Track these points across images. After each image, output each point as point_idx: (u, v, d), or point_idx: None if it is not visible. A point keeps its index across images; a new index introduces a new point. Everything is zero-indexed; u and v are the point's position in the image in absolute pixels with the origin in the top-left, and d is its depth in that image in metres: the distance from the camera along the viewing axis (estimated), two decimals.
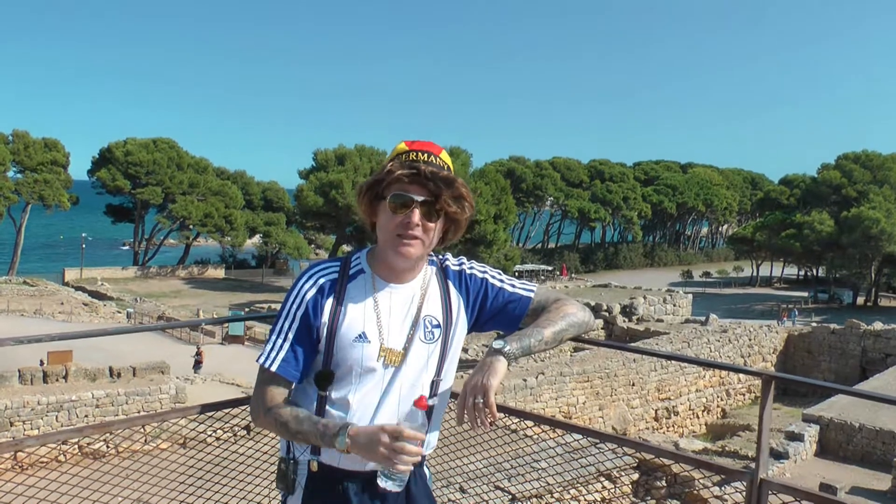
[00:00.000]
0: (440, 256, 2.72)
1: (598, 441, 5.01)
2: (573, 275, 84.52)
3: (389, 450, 2.26)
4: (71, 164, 78.37)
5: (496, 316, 2.70)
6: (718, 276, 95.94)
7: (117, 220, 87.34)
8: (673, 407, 33.77)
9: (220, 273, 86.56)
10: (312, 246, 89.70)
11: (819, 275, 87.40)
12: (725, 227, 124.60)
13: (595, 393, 29.41)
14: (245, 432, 5.54)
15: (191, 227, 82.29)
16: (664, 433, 31.76)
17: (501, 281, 2.73)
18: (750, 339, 40.02)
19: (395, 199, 2.41)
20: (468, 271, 2.71)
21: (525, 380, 26.83)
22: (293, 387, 2.58)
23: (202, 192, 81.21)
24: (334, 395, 2.49)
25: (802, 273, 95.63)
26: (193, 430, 3.95)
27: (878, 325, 40.76)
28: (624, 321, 42.76)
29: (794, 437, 22.91)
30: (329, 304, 2.49)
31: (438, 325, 2.58)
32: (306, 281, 2.54)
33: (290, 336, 2.50)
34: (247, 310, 54.07)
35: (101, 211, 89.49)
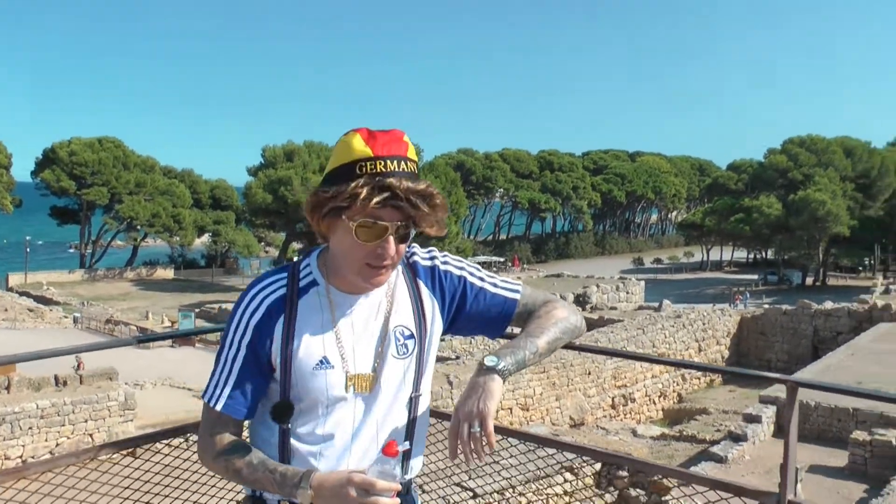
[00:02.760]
0: (408, 251, 2.30)
1: (577, 449, 4.79)
2: (525, 265, 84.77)
3: None
4: (13, 165, 76.83)
5: (476, 320, 2.31)
6: (669, 262, 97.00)
7: (63, 222, 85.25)
8: (630, 394, 33.85)
9: (169, 274, 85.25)
10: (262, 244, 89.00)
11: (768, 257, 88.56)
12: (675, 213, 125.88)
13: (552, 384, 29.35)
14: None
15: (138, 227, 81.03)
16: (622, 420, 31.85)
17: (482, 279, 2.32)
18: (704, 324, 40.31)
19: (365, 228, 1.95)
20: (442, 267, 2.29)
21: None
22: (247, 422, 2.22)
23: (149, 191, 79.72)
24: (300, 428, 2.11)
25: (752, 256, 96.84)
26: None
27: (828, 305, 41.34)
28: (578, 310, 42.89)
29: (752, 419, 22.99)
30: (279, 327, 2.08)
31: (412, 336, 2.19)
32: (249, 302, 2.11)
33: (236, 369, 2.10)
34: (197, 310, 53.30)
35: (45, 213, 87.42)
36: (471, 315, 2.29)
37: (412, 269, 2.26)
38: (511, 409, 27.51)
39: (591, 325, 39.44)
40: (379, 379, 2.13)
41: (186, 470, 3.64)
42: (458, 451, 2.01)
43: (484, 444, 1.98)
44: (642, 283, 50.18)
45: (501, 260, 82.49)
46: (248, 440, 2.21)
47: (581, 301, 44.03)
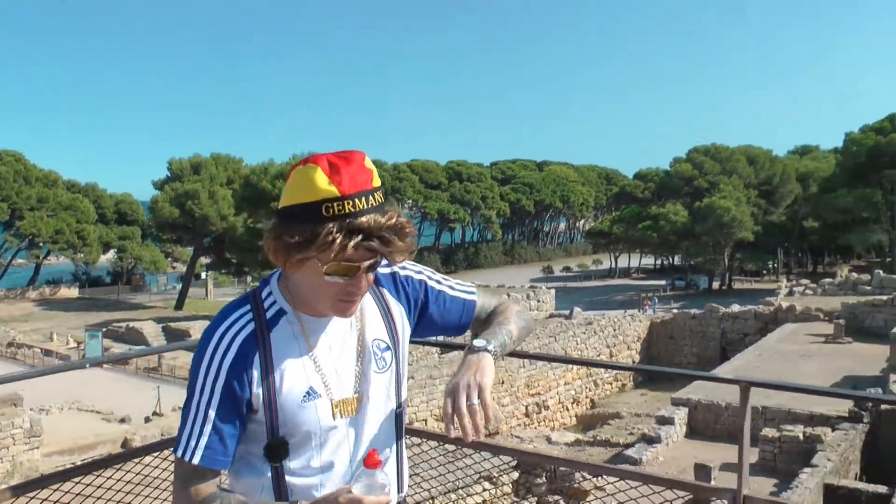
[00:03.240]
0: None
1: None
2: None
3: None
4: None
5: (437, 323, 2.28)
6: (578, 269, 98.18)
7: None
8: (543, 402, 34.21)
9: (73, 292, 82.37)
10: (169, 259, 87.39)
11: (675, 263, 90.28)
12: (583, 222, 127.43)
13: None
14: None
15: (41, 244, 78.08)
16: (536, 428, 32.14)
17: (440, 282, 2.30)
18: (615, 330, 41.01)
19: (338, 271, 1.86)
20: (402, 273, 2.23)
21: None
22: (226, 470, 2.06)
23: (52, 207, 76.52)
24: (293, 464, 2.00)
25: (659, 262, 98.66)
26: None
27: (735, 308, 42.42)
28: None
29: (665, 421, 23.43)
30: (257, 366, 1.95)
31: (388, 347, 2.13)
32: (217, 343, 1.96)
33: (211, 416, 1.93)
34: (104, 329, 51.90)
35: None
36: (433, 318, 2.27)
37: (375, 281, 2.16)
38: (426, 420, 27.49)
39: None
40: (363, 399, 2.06)
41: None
42: (455, 427, 1.95)
43: (481, 417, 1.96)
44: (552, 291, 50.60)
45: None
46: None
47: None
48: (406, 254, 1.93)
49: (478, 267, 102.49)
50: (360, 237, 1.81)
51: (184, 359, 35.74)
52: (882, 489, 16.91)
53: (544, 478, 14.42)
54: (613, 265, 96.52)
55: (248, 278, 76.52)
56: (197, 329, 52.82)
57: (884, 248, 71.37)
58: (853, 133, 72.22)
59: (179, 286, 77.53)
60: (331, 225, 1.80)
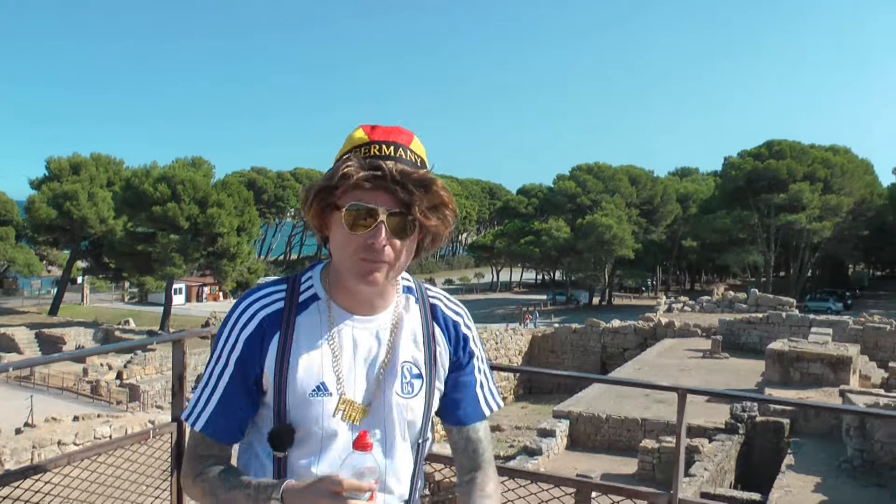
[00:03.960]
0: (424, 285, 2.12)
1: None
2: None
3: None
4: None
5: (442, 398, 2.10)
6: (461, 283, 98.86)
7: None
8: None
9: None
10: (45, 262, 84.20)
11: (556, 278, 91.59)
12: (465, 235, 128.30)
13: None
14: None
15: None
16: None
17: (481, 370, 2.14)
18: (497, 343, 41.26)
19: (354, 212, 1.79)
20: (464, 331, 2.09)
21: None
22: (234, 448, 2.00)
23: None
24: (298, 461, 1.90)
25: (541, 277, 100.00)
26: None
27: (615, 323, 43.35)
28: None
29: (546, 433, 23.64)
30: (274, 345, 1.88)
31: (420, 375, 1.99)
32: (241, 314, 1.91)
33: (221, 386, 1.90)
34: None
35: None
36: (446, 388, 2.09)
37: (430, 309, 2.07)
38: None
39: None
40: (375, 414, 1.93)
41: None
42: None
43: None
44: None
45: None
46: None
47: None
48: (434, 215, 1.84)
49: None
50: (377, 172, 1.77)
51: (58, 367, 34.46)
52: (755, 496, 17.84)
53: (427, 489, 14.27)
54: (495, 279, 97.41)
55: (127, 284, 74.56)
56: (71, 336, 51.20)
57: (759, 268, 73.95)
58: (732, 157, 74.93)
59: (54, 291, 74.81)
60: (351, 161, 1.80)
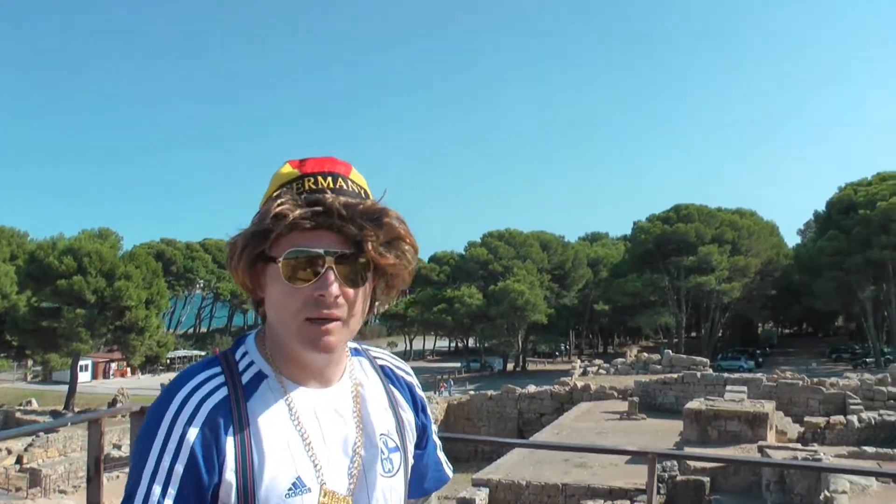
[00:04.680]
0: (362, 346, 1.83)
1: None
2: None
3: None
4: None
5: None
6: None
7: None
8: None
9: None
10: None
11: (470, 345, 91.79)
12: (377, 304, 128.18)
13: None
14: None
15: None
16: None
17: (435, 433, 1.91)
18: None
19: (293, 260, 1.47)
20: (419, 392, 1.86)
21: None
22: None
23: None
24: None
25: (454, 344, 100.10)
26: None
27: (531, 388, 43.46)
28: None
29: (465, 502, 23.38)
30: (231, 443, 1.47)
31: (396, 448, 1.70)
32: (181, 406, 1.48)
33: None
34: None
35: None
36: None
37: (383, 373, 1.79)
38: None
39: None
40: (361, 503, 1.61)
41: None
42: None
43: None
44: None
45: (202, 353, 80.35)
46: None
47: None
48: (390, 251, 1.53)
49: None
50: (318, 208, 1.47)
51: None
52: None
53: None
54: (408, 347, 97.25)
55: (30, 362, 72.33)
56: None
57: (671, 329, 75.18)
58: (640, 222, 76.50)
59: None
60: (281, 195, 1.49)
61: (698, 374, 39.09)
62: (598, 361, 54.80)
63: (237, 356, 1.61)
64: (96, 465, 3.95)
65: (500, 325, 74.99)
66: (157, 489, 1.42)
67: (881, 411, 30.84)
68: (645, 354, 52.85)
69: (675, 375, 39.31)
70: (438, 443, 1.91)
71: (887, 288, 64.96)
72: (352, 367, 1.71)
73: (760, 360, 67.86)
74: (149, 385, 62.06)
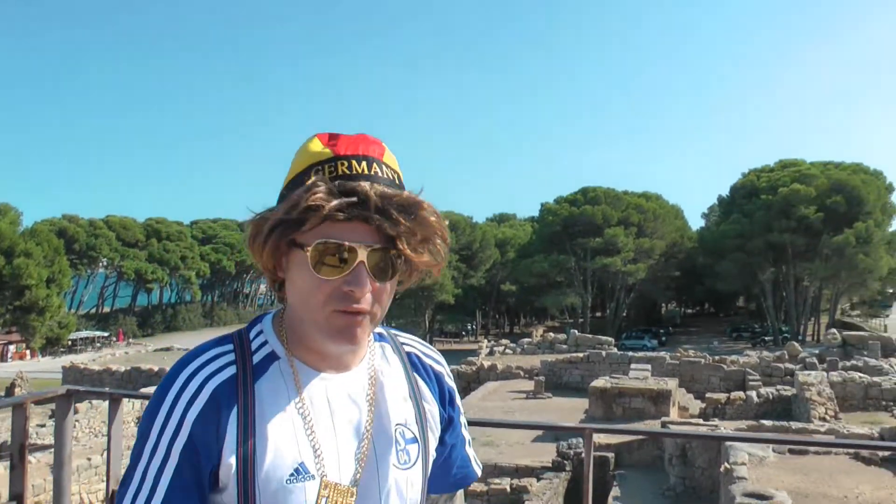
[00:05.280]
0: (392, 331, 1.75)
1: None
2: (130, 340, 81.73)
3: None
4: None
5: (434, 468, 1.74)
6: None
7: None
8: None
9: None
10: None
11: None
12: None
13: None
14: None
15: None
16: None
17: (466, 427, 1.82)
18: None
19: (325, 252, 1.40)
20: (449, 382, 1.76)
21: (90, 458, 24.59)
22: None
23: None
24: None
25: None
26: None
27: None
28: None
29: None
30: (233, 424, 1.44)
31: (414, 440, 1.62)
32: (184, 385, 1.46)
33: (162, 488, 1.41)
34: None
35: None
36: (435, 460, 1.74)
37: (409, 360, 1.71)
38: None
39: None
40: (368, 494, 1.52)
41: None
42: None
43: None
44: None
45: (105, 335, 78.83)
46: None
47: None
48: (425, 248, 1.48)
49: (176, 329, 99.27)
50: (353, 199, 1.39)
51: None
52: None
53: None
54: None
55: None
56: None
57: (577, 310, 76.22)
58: (548, 203, 77.22)
59: None
60: (315, 184, 1.40)
61: (603, 353, 39.81)
62: (504, 341, 55.23)
63: (251, 335, 1.57)
64: (21, 453, 3.78)
65: (406, 304, 75.01)
66: (154, 465, 1.42)
67: (778, 387, 31.91)
68: (551, 334, 53.49)
69: (580, 355, 39.97)
70: (468, 438, 1.81)
71: (786, 270, 66.94)
72: (372, 352, 1.65)
73: (664, 339, 69.22)
74: (49, 368, 59.91)
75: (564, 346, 46.42)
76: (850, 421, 26.47)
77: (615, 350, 41.88)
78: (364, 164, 1.43)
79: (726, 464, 16.94)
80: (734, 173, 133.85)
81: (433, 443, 1.68)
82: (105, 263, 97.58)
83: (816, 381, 29.38)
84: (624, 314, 78.27)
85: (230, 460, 1.42)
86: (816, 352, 43.26)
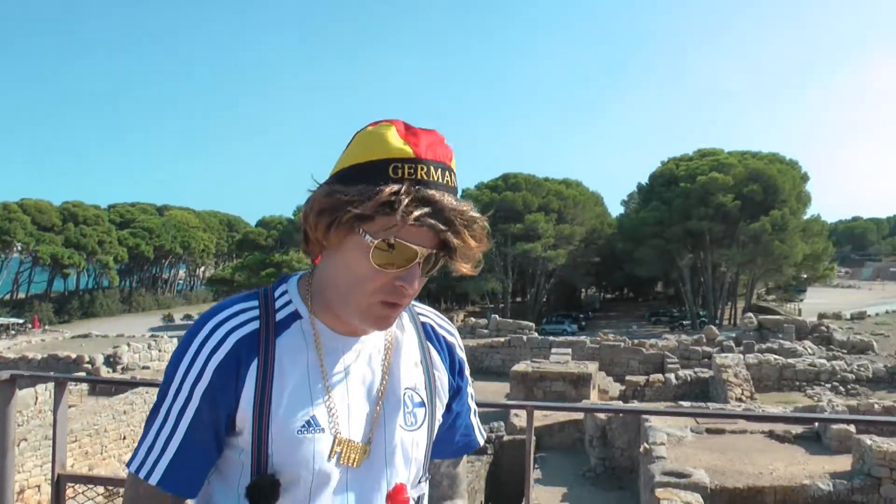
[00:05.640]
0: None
1: None
2: (47, 326, 79.99)
3: None
4: None
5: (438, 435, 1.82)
6: (199, 317, 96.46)
7: None
8: None
9: None
10: None
11: None
12: (203, 269, 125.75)
13: (84, 453, 27.68)
14: None
15: None
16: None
17: (473, 398, 1.90)
18: None
19: (388, 251, 1.46)
20: (460, 353, 1.83)
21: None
22: None
23: None
24: None
25: None
26: None
27: None
28: (108, 372, 41.24)
29: None
30: (252, 373, 1.53)
31: (422, 404, 1.70)
32: (208, 335, 1.55)
33: (183, 427, 1.53)
34: None
35: None
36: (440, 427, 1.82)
37: (423, 330, 1.79)
38: (39, 486, 25.45)
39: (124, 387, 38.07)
40: (377, 452, 1.61)
41: None
42: None
43: None
44: (174, 340, 49.31)
45: (20, 321, 76.92)
46: None
47: (112, 362, 42.30)
48: (469, 259, 1.53)
49: (93, 316, 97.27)
50: (428, 209, 1.43)
51: None
52: None
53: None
54: None
55: None
56: None
57: (497, 295, 76.58)
58: (469, 189, 77.44)
59: None
60: (398, 185, 1.42)
61: (524, 337, 40.24)
62: None
63: (276, 294, 1.64)
64: None
65: None
66: (176, 406, 1.53)
67: (696, 369, 32.61)
68: (472, 319, 53.86)
69: (501, 339, 40.33)
70: (474, 407, 1.89)
71: (704, 256, 68.11)
72: None
73: (584, 323, 69.91)
74: None
75: (486, 331, 46.72)
76: (766, 401, 27.19)
77: (536, 335, 42.30)
78: (440, 171, 1.48)
79: (646, 444, 17.24)
80: (654, 161, 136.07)
81: (440, 409, 1.76)
82: (20, 248, 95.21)
83: (733, 363, 30.10)
84: (544, 299, 78.99)
85: (247, 408, 1.53)
86: (733, 335, 44.38)
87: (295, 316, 1.61)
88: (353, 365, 1.62)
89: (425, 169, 1.46)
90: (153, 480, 1.53)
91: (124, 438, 29.71)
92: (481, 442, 1.92)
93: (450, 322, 1.87)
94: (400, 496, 1.59)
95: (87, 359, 41.20)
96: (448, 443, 1.85)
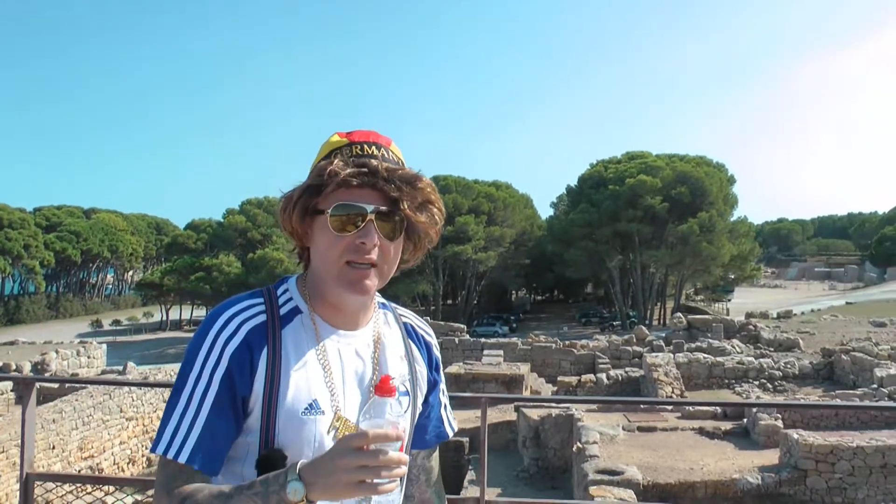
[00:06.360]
0: (391, 304, 2.07)
1: None
2: None
3: (363, 469, 1.52)
4: None
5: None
6: (129, 323, 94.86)
7: None
8: (98, 465, 32.44)
9: None
10: None
11: None
12: (132, 273, 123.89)
13: (12, 464, 27.09)
14: None
15: None
16: (94, 494, 30.32)
17: (445, 394, 2.14)
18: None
19: (342, 211, 1.73)
20: (436, 353, 2.08)
21: None
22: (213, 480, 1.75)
23: None
24: None
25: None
26: None
27: None
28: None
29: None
30: (263, 360, 1.75)
31: (406, 393, 1.93)
32: (224, 325, 1.76)
33: (206, 408, 1.71)
34: None
35: None
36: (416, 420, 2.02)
37: (405, 329, 2.03)
38: None
39: (55, 394, 37.35)
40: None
41: None
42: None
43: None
44: (103, 346, 48.43)
45: None
46: None
47: (39, 370, 41.42)
48: (423, 213, 1.81)
49: (20, 322, 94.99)
50: (364, 169, 1.74)
51: None
52: None
53: None
54: (165, 318, 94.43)
55: None
56: None
57: (428, 297, 76.67)
58: None
59: None
60: (334, 157, 1.78)
61: (456, 339, 40.33)
62: None
63: (278, 291, 1.89)
64: None
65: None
66: (199, 390, 1.73)
67: (627, 369, 33.09)
68: None
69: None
70: (446, 402, 2.13)
71: (633, 257, 68.94)
72: (377, 317, 1.97)
73: (514, 325, 70.37)
74: None
75: None
76: (696, 399, 27.63)
77: (467, 337, 42.41)
78: (374, 147, 1.78)
79: (579, 443, 17.45)
80: (582, 164, 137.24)
81: (420, 398, 2.00)
82: None
83: (663, 362, 30.58)
84: (475, 301, 79.27)
85: (258, 390, 1.74)
86: (663, 335, 45.07)
87: (296, 311, 1.85)
88: (347, 356, 1.85)
89: (359, 147, 1.78)
90: (182, 459, 1.68)
91: (53, 448, 29.13)
92: (451, 433, 2.14)
93: (428, 324, 2.12)
94: (386, 385, 1.68)
95: (13, 367, 40.24)
96: (423, 433, 2.07)
